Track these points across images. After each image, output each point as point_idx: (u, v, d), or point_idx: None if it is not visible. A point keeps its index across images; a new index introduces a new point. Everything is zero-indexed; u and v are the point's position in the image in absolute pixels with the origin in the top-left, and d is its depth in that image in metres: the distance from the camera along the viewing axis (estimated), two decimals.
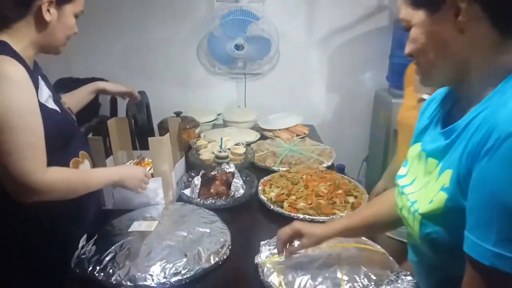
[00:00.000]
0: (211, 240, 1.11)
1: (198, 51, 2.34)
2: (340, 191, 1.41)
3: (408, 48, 0.71)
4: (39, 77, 1.03)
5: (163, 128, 1.86)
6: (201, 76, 2.41)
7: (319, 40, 2.44)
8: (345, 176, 1.55)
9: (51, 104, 1.02)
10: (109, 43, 2.33)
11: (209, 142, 1.85)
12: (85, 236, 1.13)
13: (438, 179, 0.66)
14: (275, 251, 1.04)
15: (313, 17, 2.38)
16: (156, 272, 0.97)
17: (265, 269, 0.99)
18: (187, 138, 1.91)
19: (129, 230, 1.14)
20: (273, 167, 1.68)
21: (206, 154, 1.71)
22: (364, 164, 2.63)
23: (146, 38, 2.32)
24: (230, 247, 1.11)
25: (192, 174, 1.56)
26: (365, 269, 0.96)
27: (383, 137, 2.26)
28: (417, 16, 0.68)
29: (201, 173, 1.54)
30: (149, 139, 1.31)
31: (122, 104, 2.06)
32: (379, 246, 1.11)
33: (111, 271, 0.97)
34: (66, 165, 1.07)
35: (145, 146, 1.47)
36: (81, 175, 1.09)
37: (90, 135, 1.41)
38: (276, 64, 2.46)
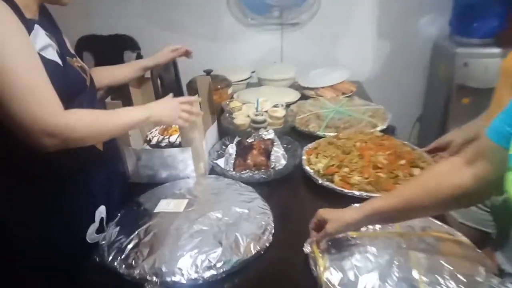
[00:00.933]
0: (251, 223, 0.93)
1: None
2: (402, 162, 1.17)
3: None
4: (37, 25, 0.84)
5: (192, 88, 1.66)
6: (232, 29, 2.15)
7: None
8: (407, 143, 1.30)
9: (50, 55, 0.84)
10: None
11: (243, 103, 1.64)
12: (103, 208, 0.98)
13: None
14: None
15: None
16: (186, 265, 0.80)
17: (319, 264, 0.80)
18: (219, 100, 1.71)
19: (155, 211, 0.98)
20: (317, 132, 1.45)
21: (240, 118, 1.50)
22: (417, 125, 2.34)
23: None
24: (273, 232, 0.93)
25: (226, 141, 1.36)
26: (449, 267, 0.75)
27: (443, 94, 1.96)
28: None
29: (235, 140, 1.34)
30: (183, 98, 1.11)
31: None
32: (460, 234, 0.89)
33: (133, 262, 0.82)
34: None
35: None
36: (107, 113, 0.92)
37: (108, 99, 1.23)
38: (316, 12, 2.15)
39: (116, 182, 1.10)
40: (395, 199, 0.77)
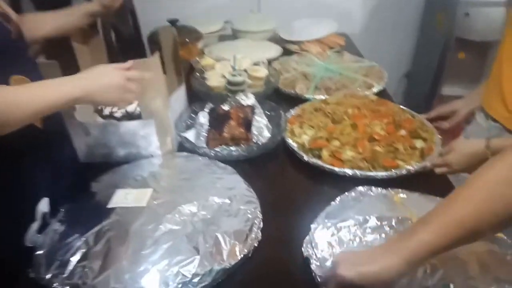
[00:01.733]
0: (234, 218, 0.75)
1: None
2: (403, 132, 1.00)
3: None
4: None
5: (154, 43, 1.40)
6: None
7: None
8: (406, 109, 1.13)
9: None
10: None
11: (217, 61, 1.40)
12: (45, 201, 0.77)
13: None
14: (331, 233, 0.70)
15: None
16: (153, 284, 0.62)
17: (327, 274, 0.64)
18: (187, 57, 1.45)
19: (109, 206, 0.77)
20: (306, 95, 1.25)
21: (214, 79, 1.27)
22: (404, 81, 2.17)
23: None
24: (261, 226, 0.76)
25: (196, 109, 1.14)
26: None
27: (438, 49, 1.77)
28: None
29: (207, 107, 1.12)
30: (131, 62, 0.87)
31: None
32: None
33: (81, 281, 0.63)
34: None
35: None
36: (15, 91, 0.67)
37: (42, 58, 0.97)
38: None
39: (62, 167, 0.87)
40: (452, 230, 0.50)
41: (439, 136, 1.02)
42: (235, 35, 1.75)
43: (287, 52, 1.59)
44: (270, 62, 1.44)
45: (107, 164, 0.94)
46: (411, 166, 0.90)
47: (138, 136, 0.94)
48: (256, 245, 0.72)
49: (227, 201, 0.79)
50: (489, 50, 1.71)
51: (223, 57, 1.44)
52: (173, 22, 1.46)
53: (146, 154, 0.96)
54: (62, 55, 0.96)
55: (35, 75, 0.79)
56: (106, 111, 1.02)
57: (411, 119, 1.07)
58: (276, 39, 1.70)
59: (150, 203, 0.77)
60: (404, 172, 0.89)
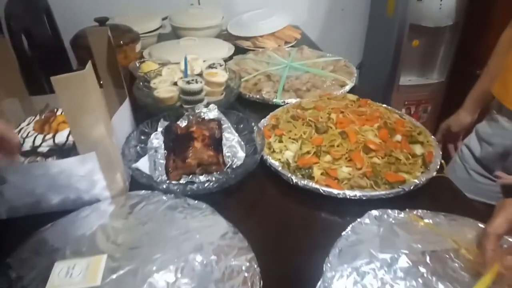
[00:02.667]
0: (226, 283, 0.55)
1: None
2: (399, 137, 0.87)
3: None
4: None
5: (81, 48, 1.14)
6: None
7: None
8: (390, 108, 1.01)
9: None
10: None
11: (161, 64, 1.17)
12: None
13: None
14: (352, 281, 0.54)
15: None
16: None
17: None
18: (124, 62, 1.21)
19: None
20: (275, 100, 1.08)
21: (164, 89, 1.04)
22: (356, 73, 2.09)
23: None
24: (262, 285, 0.57)
25: (145, 129, 0.91)
26: None
27: (389, 37, 1.70)
28: None
29: (160, 126, 0.90)
30: (53, 79, 0.62)
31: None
32: None
33: None
34: None
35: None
36: None
37: None
38: None
39: None
40: None
41: (433, 136, 0.91)
42: (175, 33, 1.52)
43: (240, 50, 1.40)
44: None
45: (34, 219, 0.68)
46: (418, 180, 0.77)
47: (76, 176, 0.70)
48: None
49: (213, 257, 0.59)
50: (442, 36, 1.68)
51: (168, 60, 1.22)
52: (102, 22, 1.20)
53: (89, 200, 0.72)
54: None
55: None
56: (27, 145, 0.76)
57: (401, 120, 0.94)
58: (225, 36, 1.50)
59: (107, 277, 0.55)
60: (412, 187, 0.76)
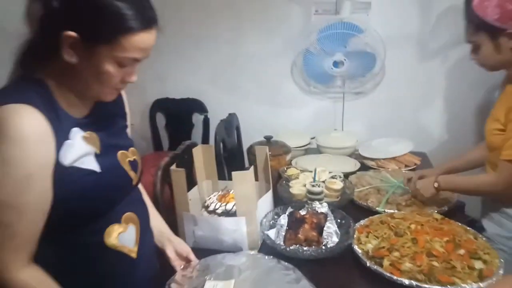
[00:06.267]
0: None
1: (292, 68, 2.18)
2: (462, 252, 1.09)
3: None
4: (76, 128, 0.80)
5: (252, 153, 1.74)
6: (294, 96, 2.25)
7: (435, 51, 2.08)
8: (470, 230, 1.22)
9: (88, 163, 0.80)
10: (201, 60, 2.28)
11: (301, 171, 1.67)
12: None
13: None
14: None
15: (429, 23, 2.05)
16: None
17: None
18: (277, 166, 1.76)
19: None
20: (377, 208, 1.42)
21: (297, 187, 1.53)
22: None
23: (238, 54, 2.24)
24: None
25: (279, 211, 1.38)
26: None
27: None
28: None
29: (288, 211, 1.36)
30: (233, 173, 1.18)
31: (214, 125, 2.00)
32: None
33: None
34: (98, 236, 0.84)
35: None
36: None
37: (173, 166, 1.33)
38: (380, 81, 2.17)
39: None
40: None
41: (502, 260, 1.08)
42: (319, 150, 2.04)
43: (364, 167, 1.80)
44: (347, 175, 1.67)
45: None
46: (466, 284, 0.98)
47: (231, 230, 1.20)
48: None
49: None
50: None
51: (307, 169, 1.71)
52: (268, 138, 1.81)
53: (235, 245, 1.21)
54: (186, 161, 1.32)
55: (137, 205, 0.96)
56: (211, 207, 1.33)
57: (472, 240, 1.15)
58: (356, 155, 1.94)
59: None
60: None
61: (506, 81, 1.35)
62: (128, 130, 1.00)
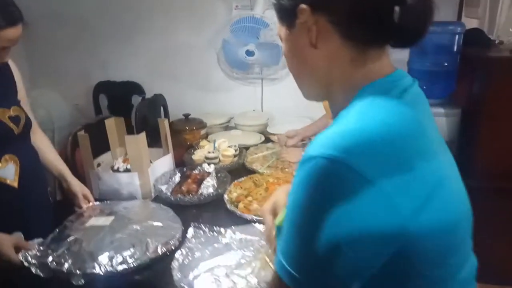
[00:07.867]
0: (162, 233, 1.21)
1: (219, 56, 2.47)
2: None
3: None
4: None
5: (172, 129, 2.03)
6: (221, 81, 2.54)
7: None
8: None
9: None
10: (139, 47, 2.54)
11: (209, 143, 1.97)
12: (40, 240, 1.16)
13: None
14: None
15: None
16: (105, 261, 1.07)
17: None
18: (192, 139, 2.06)
19: (86, 225, 1.27)
20: (259, 170, 1.73)
21: (198, 154, 1.83)
22: None
23: (171, 43, 2.51)
24: (180, 239, 1.21)
25: (177, 171, 1.69)
26: None
27: None
28: (282, 31, 0.70)
29: (182, 171, 1.66)
30: (125, 137, 1.48)
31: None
32: None
33: (62, 260, 1.07)
34: None
35: (154, 145, 1.77)
36: None
37: (82, 132, 1.59)
38: None
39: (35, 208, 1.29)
40: None
41: None
42: (236, 127, 2.34)
43: (268, 141, 2.12)
44: (248, 147, 1.98)
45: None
46: None
47: (126, 183, 1.50)
48: (173, 248, 1.15)
49: (160, 224, 1.27)
50: None
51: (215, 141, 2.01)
52: (186, 116, 2.11)
53: (131, 195, 1.51)
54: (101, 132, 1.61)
55: (18, 149, 1.22)
56: (115, 167, 1.62)
57: None
58: (265, 132, 2.24)
59: (112, 224, 1.25)
60: None
61: None
62: (19, 97, 1.29)
